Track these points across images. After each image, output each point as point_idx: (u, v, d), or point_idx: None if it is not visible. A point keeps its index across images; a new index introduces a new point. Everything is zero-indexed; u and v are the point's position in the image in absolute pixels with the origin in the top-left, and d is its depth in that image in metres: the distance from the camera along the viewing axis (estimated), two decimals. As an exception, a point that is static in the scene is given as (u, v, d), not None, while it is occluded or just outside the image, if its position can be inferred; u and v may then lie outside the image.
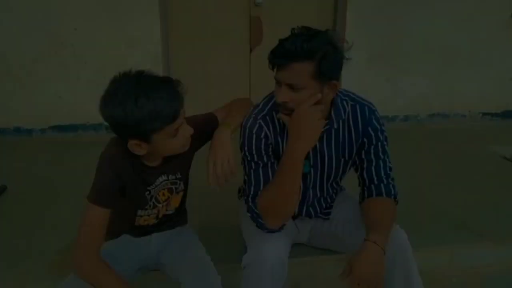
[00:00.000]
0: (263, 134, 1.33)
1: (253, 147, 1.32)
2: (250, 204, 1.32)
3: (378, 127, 1.38)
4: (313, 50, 1.16)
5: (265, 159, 1.34)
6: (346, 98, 1.38)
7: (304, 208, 1.51)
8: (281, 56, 1.18)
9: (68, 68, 3.18)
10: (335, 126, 1.35)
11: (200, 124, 1.35)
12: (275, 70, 1.23)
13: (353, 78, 2.92)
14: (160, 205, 1.32)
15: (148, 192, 1.27)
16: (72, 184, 2.30)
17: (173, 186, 1.33)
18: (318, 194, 1.50)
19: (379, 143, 1.39)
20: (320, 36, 1.19)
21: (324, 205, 1.53)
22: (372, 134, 1.37)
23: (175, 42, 3.39)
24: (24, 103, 3.20)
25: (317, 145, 1.37)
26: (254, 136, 1.32)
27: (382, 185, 1.39)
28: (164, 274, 1.43)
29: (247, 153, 1.34)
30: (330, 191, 1.52)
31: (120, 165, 1.17)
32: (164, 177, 1.28)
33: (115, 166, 1.16)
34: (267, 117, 1.35)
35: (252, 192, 1.32)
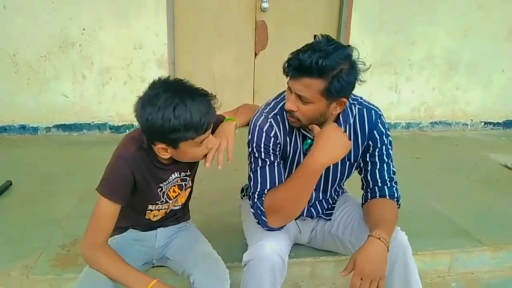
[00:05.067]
0: (273, 133, 1.35)
1: (262, 145, 1.34)
2: (256, 201, 1.33)
3: (384, 131, 1.41)
4: (327, 69, 1.14)
5: (272, 157, 1.36)
6: (354, 102, 1.40)
7: (306, 208, 1.52)
8: (294, 68, 1.18)
9: (74, 68, 3.22)
10: (342, 130, 1.37)
11: None
12: (288, 77, 1.24)
13: (356, 86, 2.95)
14: (170, 202, 1.36)
15: (160, 189, 1.30)
16: (76, 182, 2.32)
17: (183, 183, 1.36)
18: (321, 197, 1.52)
19: (384, 147, 1.41)
20: (338, 53, 1.16)
21: (326, 206, 1.55)
22: (378, 137, 1.40)
23: (181, 45, 3.43)
24: (30, 101, 3.25)
25: None
26: (264, 134, 1.34)
27: (385, 187, 1.41)
28: (166, 268, 1.46)
29: (255, 150, 1.36)
30: (333, 193, 1.55)
31: (135, 163, 1.20)
32: (176, 174, 1.32)
33: (130, 164, 1.19)
34: (278, 117, 1.37)
35: (258, 190, 1.33)
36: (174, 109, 1.06)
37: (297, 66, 1.17)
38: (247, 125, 1.43)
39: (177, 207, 1.43)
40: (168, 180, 1.30)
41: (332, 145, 1.22)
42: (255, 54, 3.54)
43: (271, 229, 1.32)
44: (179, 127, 1.07)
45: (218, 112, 1.46)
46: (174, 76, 3.44)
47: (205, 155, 1.24)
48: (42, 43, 3.14)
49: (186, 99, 1.08)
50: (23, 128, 3.29)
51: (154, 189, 1.28)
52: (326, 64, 1.14)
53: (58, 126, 3.33)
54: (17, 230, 1.83)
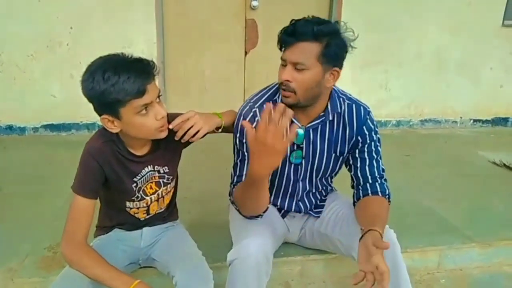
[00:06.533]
0: (254, 124, 1.34)
1: (244, 136, 1.34)
2: (232, 190, 1.38)
3: (373, 127, 1.42)
4: (322, 33, 1.21)
5: None
6: (343, 97, 1.42)
7: (294, 202, 1.52)
8: (290, 35, 1.23)
9: (62, 67, 3.18)
10: (330, 118, 1.38)
11: None
12: (282, 50, 1.28)
13: (346, 83, 2.95)
14: (148, 198, 1.33)
15: (135, 184, 1.28)
16: (64, 183, 2.26)
17: (161, 180, 1.34)
18: (308, 188, 1.51)
19: (373, 143, 1.42)
20: (329, 23, 1.26)
21: (314, 201, 1.55)
22: (367, 133, 1.41)
23: (170, 44, 3.40)
24: (17, 101, 3.20)
25: (311, 136, 1.40)
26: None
27: (377, 184, 1.42)
28: (154, 269, 1.44)
29: (237, 141, 1.38)
30: (320, 187, 1.54)
31: (102, 156, 1.20)
32: (150, 168, 1.30)
33: (96, 157, 1.19)
34: (264, 106, 1.36)
35: (234, 183, 1.38)
36: (103, 73, 1.07)
37: (293, 32, 1.23)
38: (232, 127, 1.41)
39: (161, 210, 1.41)
40: (141, 173, 1.28)
41: (264, 155, 1.06)
42: (245, 53, 3.53)
43: (251, 217, 1.35)
44: (110, 89, 1.06)
45: (204, 111, 1.44)
46: (163, 76, 3.42)
47: (160, 128, 1.17)
48: (28, 42, 3.09)
49: (116, 65, 1.09)
50: (9, 128, 3.24)
51: (127, 184, 1.26)
52: (321, 28, 1.21)
53: (46, 126, 3.29)
54: (2, 231, 1.80)
